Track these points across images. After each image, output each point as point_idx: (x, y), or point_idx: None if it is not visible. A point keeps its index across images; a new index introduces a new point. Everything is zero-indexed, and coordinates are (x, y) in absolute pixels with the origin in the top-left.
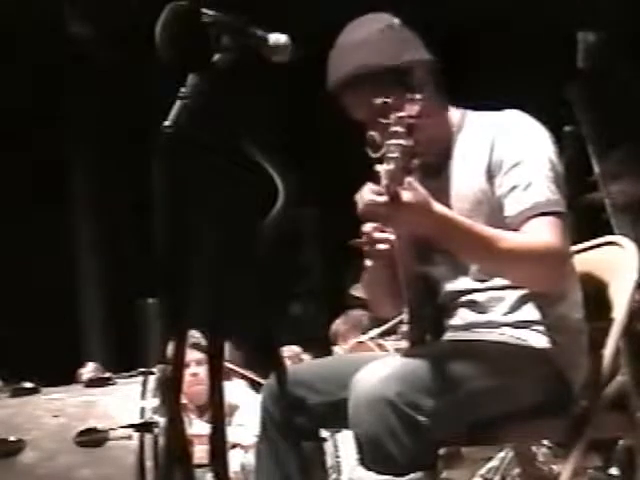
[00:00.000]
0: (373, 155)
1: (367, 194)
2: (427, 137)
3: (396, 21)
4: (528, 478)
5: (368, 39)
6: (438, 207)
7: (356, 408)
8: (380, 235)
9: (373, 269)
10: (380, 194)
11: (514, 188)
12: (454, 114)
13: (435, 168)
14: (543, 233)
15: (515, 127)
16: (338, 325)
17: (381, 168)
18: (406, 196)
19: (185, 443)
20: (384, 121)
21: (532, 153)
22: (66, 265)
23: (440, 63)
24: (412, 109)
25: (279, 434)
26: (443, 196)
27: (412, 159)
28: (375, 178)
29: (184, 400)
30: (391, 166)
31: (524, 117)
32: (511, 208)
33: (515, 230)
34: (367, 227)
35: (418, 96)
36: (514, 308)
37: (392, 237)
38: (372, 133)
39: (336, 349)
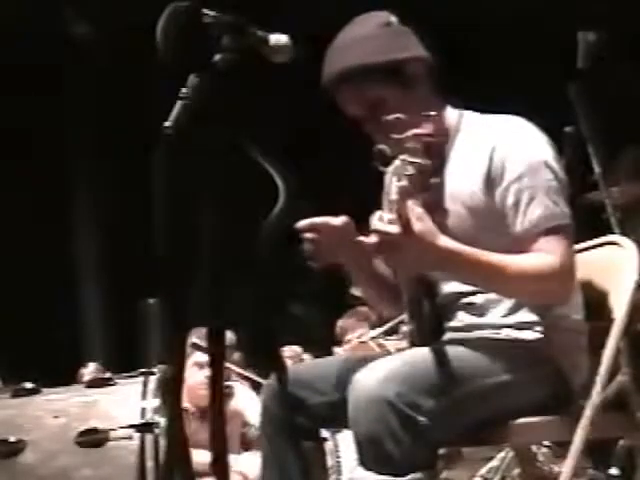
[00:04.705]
0: (381, 169)
1: (376, 222)
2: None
3: (394, 19)
4: (528, 478)
5: (364, 36)
6: (444, 240)
7: (356, 408)
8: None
9: (356, 277)
10: (391, 222)
11: (517, 204)
12: (451, 114)
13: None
14: (552, 254)
15: (516, 136)
16: (345, 320)
17: (393, 184)
18: (417, 227)
19: (185, 443)
20: (398, 137)
21: (533, 165)
22: (67, 265)
23: (438, 62)
24: (428, 126)
25: (279, 434)
26: (438, 197)
27: (428, 178)
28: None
29: (185, 403)
30: (404, 183)
31: (524, 125)
32: (517, 225)
33: (523, 248)
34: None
35: (433, 113)
36: (513, 310)
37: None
38: (380, 146)
39: (336, 349)
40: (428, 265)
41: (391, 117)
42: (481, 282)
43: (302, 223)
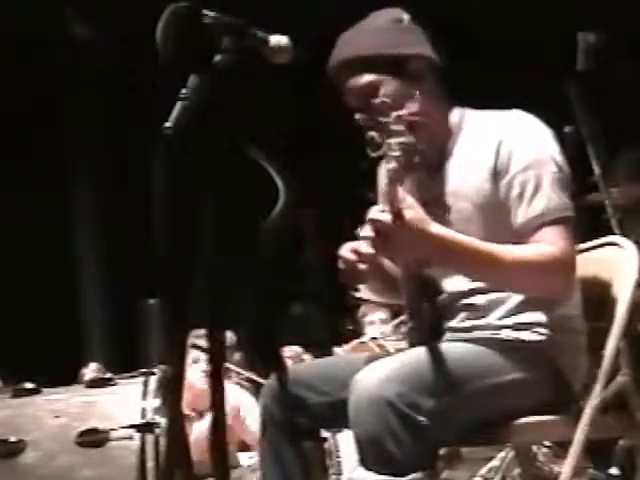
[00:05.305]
0: (373, 154)
1: (371, 212)
2: (425, 135)
3: (405, 16)
4: (528, 478)
5: (372, 29)
6: (437, 227)
7: (356, 408)
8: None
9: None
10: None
11: (522, 194)
12: (453, 113)
13: (433, 167)
14: (553, 244)
15: (522, 130)
16: (367, 304)
17: (383, 167)
18: (408, 214)
19: (186, 443)
20: (383, 120)
21: (539, 157)
22: (67, 265)
23: (444, 62)
24: (412, 107)
25: (280, 434)
26: (440, 195)
27: (414, 156)
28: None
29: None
30: (393, 164)
31: (529, 118)
32: (520, 216)
33: (524, 239)
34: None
35: (417, 94)
36: (514, 311)
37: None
38: (371, 133)
39: (337, 349)
40: (423, 254)
41: (377, 100)
42: (480, 272)
43: (344, 251)
